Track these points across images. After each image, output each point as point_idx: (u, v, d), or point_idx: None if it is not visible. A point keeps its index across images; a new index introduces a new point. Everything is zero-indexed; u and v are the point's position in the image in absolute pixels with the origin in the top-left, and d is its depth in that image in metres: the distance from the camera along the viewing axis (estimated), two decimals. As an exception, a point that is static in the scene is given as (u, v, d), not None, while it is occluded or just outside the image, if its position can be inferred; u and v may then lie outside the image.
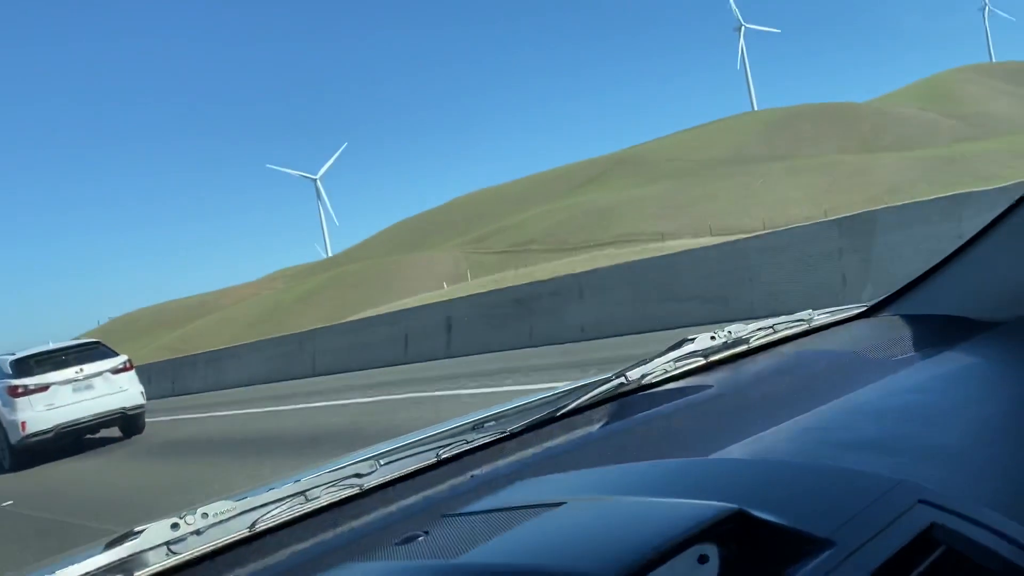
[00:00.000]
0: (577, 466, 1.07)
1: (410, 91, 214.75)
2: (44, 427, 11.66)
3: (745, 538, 0.76)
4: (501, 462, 1.23)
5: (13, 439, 11.80)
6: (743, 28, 79.50)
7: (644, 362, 1.48)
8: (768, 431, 1.14)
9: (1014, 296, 1.47)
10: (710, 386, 1.42)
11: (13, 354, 12.43)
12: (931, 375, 1.31)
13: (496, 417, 1.31)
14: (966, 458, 0.99)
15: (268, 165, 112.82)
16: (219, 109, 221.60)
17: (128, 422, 12.66)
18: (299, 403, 12.16)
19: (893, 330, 1.60)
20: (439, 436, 1.25)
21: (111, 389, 12.19)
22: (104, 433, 12.90)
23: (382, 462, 1.16)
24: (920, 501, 0.80)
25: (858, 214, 9.39)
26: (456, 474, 1.19)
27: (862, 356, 1.47)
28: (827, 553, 0.72)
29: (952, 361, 1.36)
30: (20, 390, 11.86)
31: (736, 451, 1.10)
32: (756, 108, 78.23)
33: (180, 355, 27.95)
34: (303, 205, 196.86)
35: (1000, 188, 8.34)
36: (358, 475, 1.14)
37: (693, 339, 1.55)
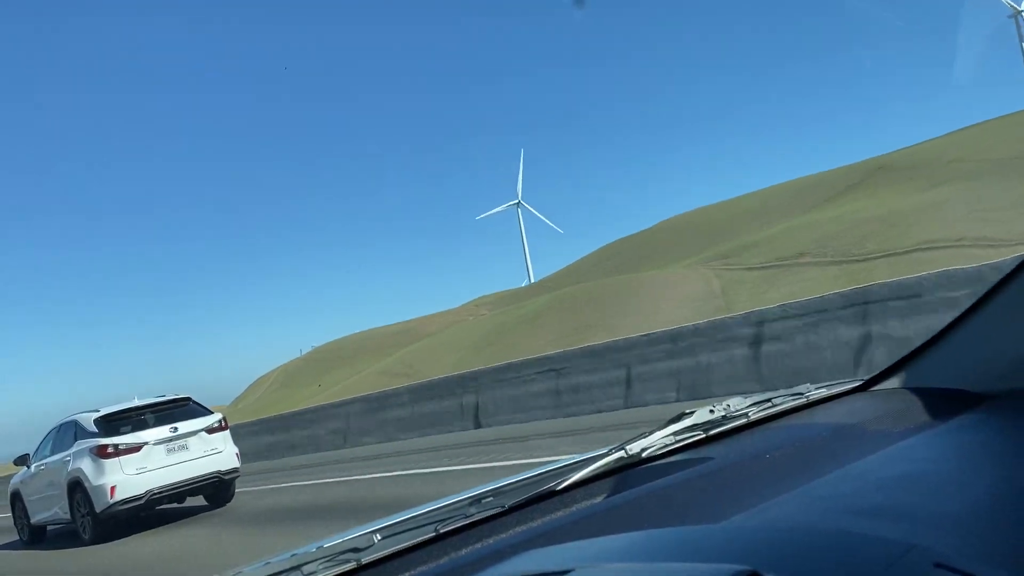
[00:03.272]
0: (580, 538, 1.05)
1: (631, 99, 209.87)
2: (136, 492, 10.11)
3: None
4: (502, 536, 1.21)
5: (99, 506, 10.11)
6: (1020, 15, 66.88)
7: (644, 436, 1.48)
8: (772, 501, 1.14)
9: (1008, 368, 1.46)
10: (711, 459, 1.42)
11: (97, 410, 10.90)
12: (930, 446, 1.32)
13: (495, 492, 1.30)
14: (973, 525, 0.97)
15: (477, 217, 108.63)
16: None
17: (221, 488, 11.08)
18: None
19: (889, 403, 1.58)
20: (438, 511, 1.24)
21: (206, 450, 10.76)
22: (189, 502, 11.24)
23: (379, 537, 1.15)
24: (936, 564, 0.80)
25: None
26: (456, 548, 1.17)
27: (861, 428, 1.46)
28: None
29: (950, 433, 1.36)
30: (111, 450, 10.16)
31: (741, 521, 1.09)
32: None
33: (408, 380, 23.31)
34: (502, 231, 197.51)
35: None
36: (355, 550, 1.12)
37: (692, 413, 1.55)
